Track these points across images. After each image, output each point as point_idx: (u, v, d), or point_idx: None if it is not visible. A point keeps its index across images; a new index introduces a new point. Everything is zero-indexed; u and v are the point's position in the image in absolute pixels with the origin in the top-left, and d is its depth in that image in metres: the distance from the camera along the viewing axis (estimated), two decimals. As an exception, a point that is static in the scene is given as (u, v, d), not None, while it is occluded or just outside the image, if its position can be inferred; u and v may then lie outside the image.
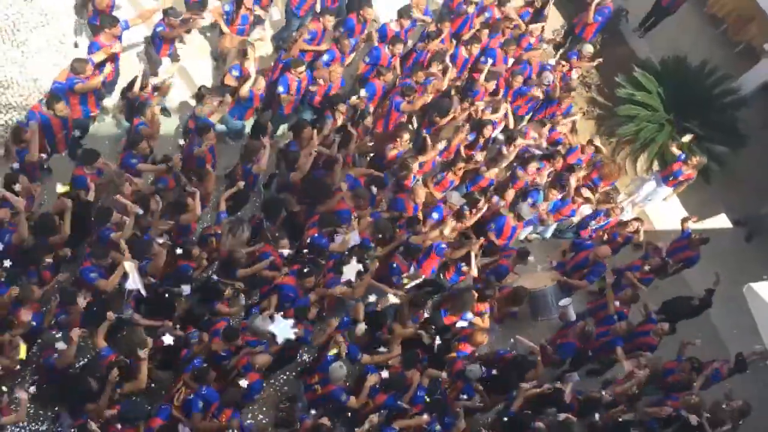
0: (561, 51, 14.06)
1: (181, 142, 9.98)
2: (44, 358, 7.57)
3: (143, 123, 9.31)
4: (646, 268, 10.83)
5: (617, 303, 10.33)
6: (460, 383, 8.74)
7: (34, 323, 7.67)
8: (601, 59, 13.12)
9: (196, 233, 9.18)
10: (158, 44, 10.49)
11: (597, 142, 12.43)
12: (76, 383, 7.47)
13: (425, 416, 8.24)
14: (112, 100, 10.64)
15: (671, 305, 11.22)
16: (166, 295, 8.31)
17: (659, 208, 13.17)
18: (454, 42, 12.04)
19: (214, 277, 8.73)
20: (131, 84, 9.92)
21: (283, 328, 8.07)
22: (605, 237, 11.41)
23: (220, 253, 8.76)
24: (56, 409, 8.15)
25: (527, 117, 12.76)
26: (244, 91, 10.10)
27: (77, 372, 7.81)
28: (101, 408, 7.24)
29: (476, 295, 9.52)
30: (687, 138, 12.42)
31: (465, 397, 8.74)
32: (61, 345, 7.38)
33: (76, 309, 7.69)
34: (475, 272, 9.93)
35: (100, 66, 9.52)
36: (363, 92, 10.72)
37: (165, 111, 10.66)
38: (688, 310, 11.07)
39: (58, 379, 7.71)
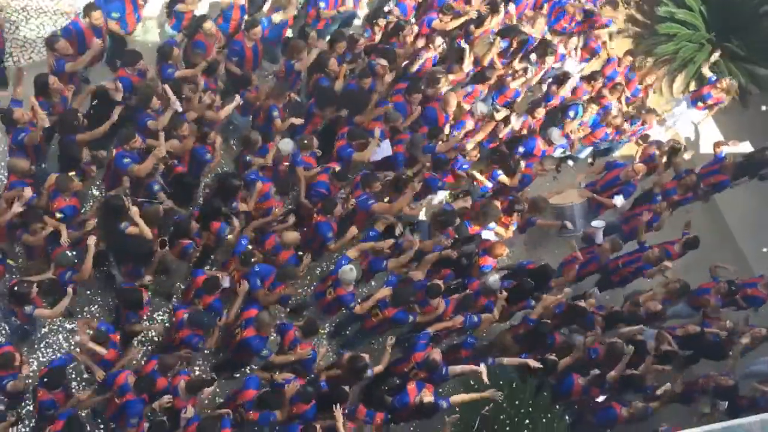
0: None
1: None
2: (58, 275, 7.71)
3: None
4: (681, 190, 10.69)
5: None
6: (482, 299, 8.86)
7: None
8: None
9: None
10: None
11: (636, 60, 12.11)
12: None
13: (459, 317, 8.45)
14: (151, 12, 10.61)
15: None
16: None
17: (693, 131, 12.94)
18: None
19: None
20: None
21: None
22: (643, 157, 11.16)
23: None
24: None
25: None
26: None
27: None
28: None
29: (500, 206, 9.56)
30: (715, 56, 12.08)
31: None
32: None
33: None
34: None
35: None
36: (397, 11, 10.63)
37: None
38: None
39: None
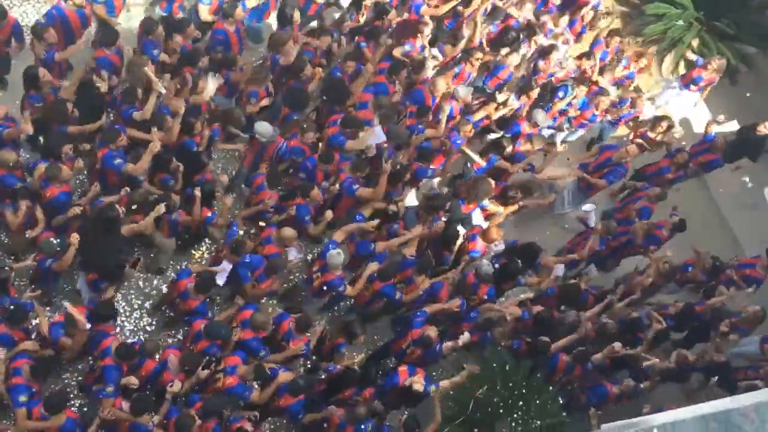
0: None
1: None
2: (38, 261, 7.65)
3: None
4: (674, 167, 10.73)
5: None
6: (483, 288, 8.79)
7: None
8: None
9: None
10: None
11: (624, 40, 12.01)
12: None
13: (456, 300, 8.45)
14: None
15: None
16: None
17: (683, 111, 12.92)
18: None
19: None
20: None
21: None
22: (636, 136, 11.17)
23: None
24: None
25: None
26: None
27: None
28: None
29: (493, 184, 9.53)
30: (692, 57, 12.17)
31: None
32: None
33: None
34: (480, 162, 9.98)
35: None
36: None
37: None
38: None
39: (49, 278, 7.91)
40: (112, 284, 7.85)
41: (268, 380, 7.39)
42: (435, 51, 10.33)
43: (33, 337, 7.40)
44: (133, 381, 7.08)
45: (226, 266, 7.94)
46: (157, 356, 7.50)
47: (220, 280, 7.92)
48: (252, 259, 8.05)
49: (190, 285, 7.80)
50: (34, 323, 7.60)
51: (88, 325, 7.17)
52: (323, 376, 8.11)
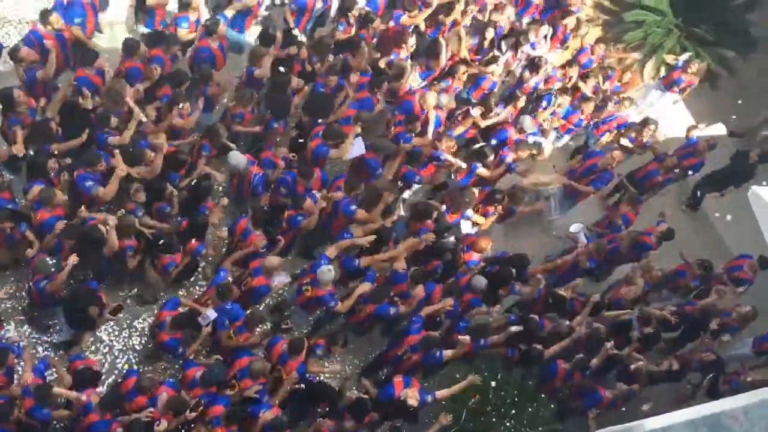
0: None
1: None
2: (34, 281, 7.58)
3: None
4: (663, 171, 10.87)
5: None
6: (468, 295, 8.86)
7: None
8: None
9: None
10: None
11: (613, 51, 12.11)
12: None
13: (449, 300, 8.46)
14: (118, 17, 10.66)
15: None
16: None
17: (665, 115, 13.04)
18: None
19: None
20: None
21: None
22: (621, 140, 11.27)
23: None
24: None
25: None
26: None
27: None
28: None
29: (477, 193, 9.58)
30: (685, 56, 12.27)
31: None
32: None
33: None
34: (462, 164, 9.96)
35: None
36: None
37: None
38: None
39: (49, 301, 7.79)
40: (81, 334, 7.79)
41: (249, 423, 7.27)
42: (419, 76, 10.38)
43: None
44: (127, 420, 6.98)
45: (211, 314, 7.71)
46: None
47: (204, 322, 7.72)
48: (233, 307, 7.86)
49: (169, 318, 7.66)
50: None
51: (84, 397, 6.96)
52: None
